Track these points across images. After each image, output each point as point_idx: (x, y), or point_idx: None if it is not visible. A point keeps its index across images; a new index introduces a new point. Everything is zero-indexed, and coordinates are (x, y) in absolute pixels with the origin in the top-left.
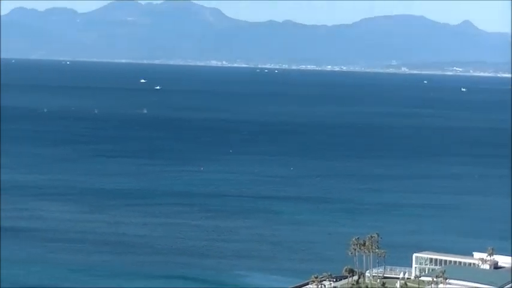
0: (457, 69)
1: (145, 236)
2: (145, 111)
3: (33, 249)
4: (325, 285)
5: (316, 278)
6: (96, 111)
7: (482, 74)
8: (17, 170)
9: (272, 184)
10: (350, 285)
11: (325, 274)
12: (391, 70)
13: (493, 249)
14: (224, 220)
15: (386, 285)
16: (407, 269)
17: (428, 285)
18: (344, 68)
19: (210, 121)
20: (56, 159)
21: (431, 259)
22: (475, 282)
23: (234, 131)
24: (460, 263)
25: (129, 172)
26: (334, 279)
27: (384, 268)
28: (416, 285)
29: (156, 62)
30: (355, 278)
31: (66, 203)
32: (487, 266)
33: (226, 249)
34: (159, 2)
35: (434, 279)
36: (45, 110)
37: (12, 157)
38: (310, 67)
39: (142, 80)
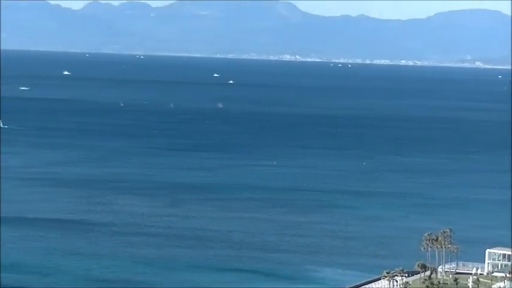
0: None
1: (219, 230)
2: (220, 105)
3: (107, 243)
4: (397, 281)
5: (388, 273)
6: (171, 105)
7: None
8: (92, 163)
9: (344, 179)
10: (422, 281)
11: (397, 269)
12: (465, 64)
13: None
14: (296, 215)
15: (458, 280)
16: (479, 265)
17: (501, 281)
18: (418, 63)
19: (283, 115)
20: (132, 152)
21: (504, 255)
22: None
23: (307, 125)
24: None
25: (204, 166)
26: (406, 275)
27: (457, 264)
28: (489, 281)
29: (230, 56)
30: (428, 273)
31: (141, 197)
32: None
33: (298, 243)
34: None
35: (507, 275)
36: (122, 104)
37: (87, 151)
38: (383, 61)
39: (216, 74)
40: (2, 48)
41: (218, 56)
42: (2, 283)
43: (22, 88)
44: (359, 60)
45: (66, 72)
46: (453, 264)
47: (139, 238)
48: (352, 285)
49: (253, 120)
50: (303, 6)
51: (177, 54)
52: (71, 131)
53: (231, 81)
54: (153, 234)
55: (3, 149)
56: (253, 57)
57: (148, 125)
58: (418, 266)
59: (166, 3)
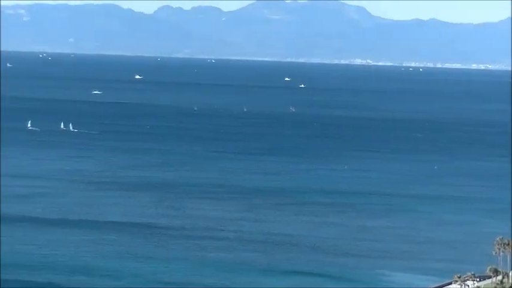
0: None
1: (290, 234)
2: (293, 109)
3: (178, 246)
4: (468, 285)
5: (459, 277)
6: (245, 109)
7: None
8: (164, 167)
9: (415, 183)
10: (494, 286)
11: (468, 274)
12: None
13: None
14: (367, 219)
15: None
16: None
17: None
18: (489, 66)
19: (354, 119)
20: (204, 156)
21: None
22: None
23: (379, 128)
24: None
25: (276, 170)
26: (478, 279)
27: None
28: None
29: (301, 60)
30: (499, 278)
31: (212, 201)
32: None
33: (368, 248)
34: (304, 0)
35: None
36: (196, 108)
37: (159, 155)
38: (455, 65)
39: (287, 78)
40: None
41: (289, 60)
42: (77, 285)
43: (94, 92)
44: (430, 64)
45: (137, 76)
46: None
47: (210, 242)
48: None
49: (324, 124)
50: (374, 10)
51: (248, 58)
52: (143, 135)
53: (302, 85)
54: (223, 238)
55: (73, 152)
56: (324, 62)
57: (221, 129)
58: (490, 270)
59: (238, 7)
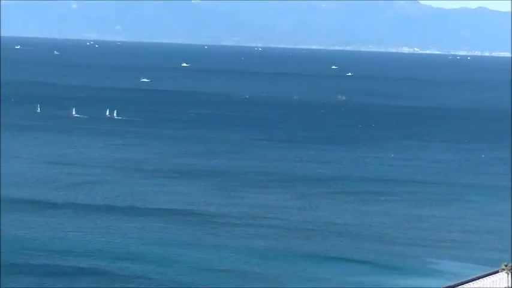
0: None
1: (336, 222)
2: (343, 97)
3: (226, 234)
4: None
5: (506, 266)
6: (295, 98)
7: None
8: (211, 155)
9: (462, 172)
10: None
11: None
12: None
13: None
14: (413, 207)
15: None
16: None
17: None
18: None
19: (402, 108)
20: (253, 145)
21: None
22: None
23: (426, 117)
24: None
25: (323, 158)
26: None
27: None
28: None
29: (348, 48)
30: None
31: (259, 189)
32: None
33: (414, 236)
34: None
35: None
36: (247, 96)
37: (207, 143)
38: (503, 53)
39: (334, 67)
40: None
41: (336, 48)
42: (122, 273)
43: (143, 80)
44: (478, 53)
45: (184, 64)
46: None
47: (257, 229)
48: (470, 278)
49: (371, 113)
50: None
51: (295, 47)
52: (190, 122)
53: (350, 74)
54: (270, 226)
55: (118, 140)
56: (372, 50)
57: (271, 117)
58: None
59: None
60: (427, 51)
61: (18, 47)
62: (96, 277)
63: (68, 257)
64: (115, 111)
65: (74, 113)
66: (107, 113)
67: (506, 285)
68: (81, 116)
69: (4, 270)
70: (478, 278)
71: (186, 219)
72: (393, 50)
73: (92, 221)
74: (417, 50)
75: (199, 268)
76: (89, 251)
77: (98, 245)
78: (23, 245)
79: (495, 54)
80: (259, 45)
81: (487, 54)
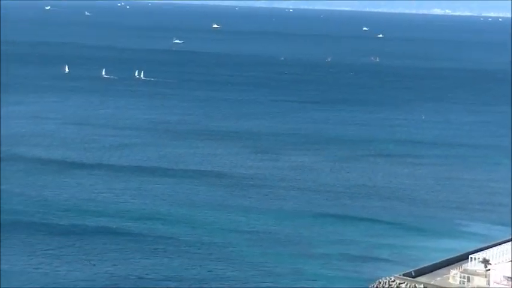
0: None
1: (367, 184)
2: (377, 59)
3: (256, 195)
4: None
5: None
6: (329, 59)
7: None
8: (246, 117)
9: (490, 134)
10: None
11: None
12: None
13: None
14: (444, 170)
15: None
16: None
17: None
18: None
19: (433, 70)
20: (286, 107)
21: None
22: None
23: (457, 79)
24: None
25: (355, 120)
26: None
27: None
28: None
29: (379, 10)
30: None
31: (289, 151)
32: None
33: (444, 198)
34: None
35: None
36: (282, 58)
37: (241, 104)
38: None
39: (365, 28)
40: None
41: (367, 9)
42: (152, 235)
43: (175, 41)
44: (509, 14)
45: (215, 26)
46: None
47: (288, 191)
48: (499, 241)
49: (403, 75)
50: None
51: (326, 8)
52: (222, 84)
53: (380, 35)
54: (301, 188)
55: (147, 101)
56: (403, 11)
57: (304, 78)
58: None
59: None
60: (458, 13)
61: (48, 8)
62: (126, 237)
63: (99, 217)
64: (144, 73)
65: (103, 73)
66: (136, 74)
67: None
68: (111, 76)
69: (36, 230)
70: (508, 241)
71: (216, 181)
72: (424, 11)
73: (123, 182)
74: (448, 12)
75: (229, 230)
76: (120, 212)
77: (129, 206)
78: (55, 205)
79: None
80: (290, 6)
81: None
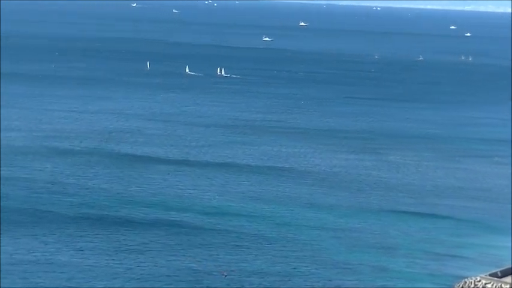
0: None
1: (459, 185)
2: (469, 58)
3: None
4: None
5: None
6: (420, 58)
7: None
8: (336, 115)
9: None
10: None
11: None
12: None
13: None
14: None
15: None
16: None
17: None
18: None
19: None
20: (375, 106)
21: None
22: None
23: None
24: None
25: (447, 120)
26: None
27: None
28: None
29: (466, 8)
30: None
31: (388, 150)
32: None
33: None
34: None
35: None
36: (376, 57)
37: (335, 102)
38: None
39: (452, 27)
40: None
41: (454, 7)
42: (236, 231)
43: (265, 39)
44: None
45: (302, 23)
46: None
47: (373, 189)
48: None
49: (495, 74)
50: None
51: (412, 6)
52: (309, 82)
53: (468, 34)
54: (386, 186)
55: (223, 97)
56: (491, 10)
57: (395, 77)
58: None
59: None
60: None
61: (135, 4)
62: (211, 233)
63: (184, 213)
64: (228, 70)
65: (187, 70)
66: (218, 72)
67: None
68: (195, 73)
69: (121, 225)
70: None
71: (301, 178)
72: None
73: (208, 179)
74: None
75: (314, 227)
76: (204, 208)
77: (214, 202)
78: (140, 201)
79: None
80: (378, 4)
81: None
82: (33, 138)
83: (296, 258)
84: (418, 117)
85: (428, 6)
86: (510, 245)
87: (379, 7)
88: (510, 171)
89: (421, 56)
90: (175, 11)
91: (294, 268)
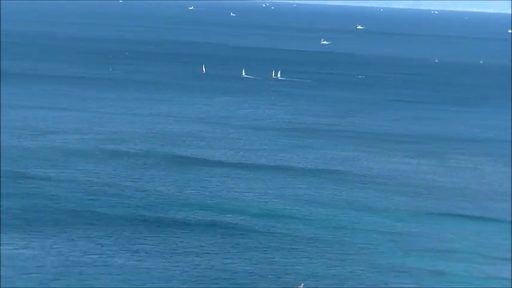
0: None
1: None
2: None
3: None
4: None
5: None
6: (481, 62)
7: None
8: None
9: None
10: None
11: None
12: None
13: None
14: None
15: None
16: None
17: None
18: None
19: None
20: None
21: None
22: None
23: None
24: None
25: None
26: None
27: None
28: None
29: None
30: None
31: (444, 155)
32: None
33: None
34: None
35: None
36: (436, 60)
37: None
38: None
39: (510, 31)
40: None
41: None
42: (292, 235)
43: (323, 42)
44: None
45: (359, 27)
46: None
47: (431, 193)
48: None
49: None
50: None
51: (471, 10)
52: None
53: None
54: (442, 189)
55: (274, 100)
56: None
57: (453, 81)
58: None
59: None
60: None
61: (192, 7)
62: (267, 236)
63: (240, 216)
64: (286, 73)
65: (243, 73)
66: (273, 75)
67: None
68: (251, 76)
69: (177, 228)
70: None
71: (358, 181)
72: None
73: (264, 182)
74: None
75: (370, 230)
76: (260, 211)
77: (270, 205)
78: (196, 203)
79: None
80: (436, 8)
81: None
82: (89, 140)
83: (352, 262)
84: (476, 121)
85: (490, 10)
86: None
87: (437, 11)
88: None
89: (481, 60)
90: (233, 14)
91: (351, 272)
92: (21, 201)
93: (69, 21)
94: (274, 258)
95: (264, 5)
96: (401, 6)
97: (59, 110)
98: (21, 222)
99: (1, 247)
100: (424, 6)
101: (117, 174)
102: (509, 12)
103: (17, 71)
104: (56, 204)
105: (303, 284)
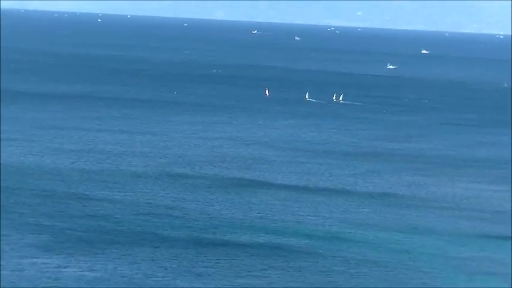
0: None
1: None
2: None
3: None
4: None
5: None
6: (505, 85)
7: None
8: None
9: None
10: None
11: None
12: None
13: None
14: None
15: None
16: None
17: None
18: None
19: None
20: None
21: None
22: None
23: None
24: None
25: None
26: None
27: None
28: None
29: None
30: None
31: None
32: None
33: None
34: None
35: None
36: (505, 85)
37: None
38: None
39: None
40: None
41: None
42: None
43: (389, 66)
44: None
45: (424, 51)
46: None
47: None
48: None
49: None
50: None
51: None
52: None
53: None
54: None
55: (333, 123)
56: None
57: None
58: None
59: None
60: None
61: (255, 31)
62: (332, 260)
63: (305, 239)
64: (350, 97)
65: (307, 97)
66: (334, 98)
67: None
68: (314, 100)
69: (242, 250)
70: None
71: (423, 207)
72: None
73: (328, 205)
74: None
75: (435, 255)
76: (325, 234)
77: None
78: (261, 226)
79: None
80: (501, 32)
81: None
82: (154, 163)
83: (416, 286)
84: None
85: None
86: None
87: (502, 35)
88: None
89: (504, 83)
90: (297, 38)
91: None
92: (85, 223)
93: (138, 44)
94: (337, 281)
95: (328, 29)
96: (467, 31)
97: (125, 133)
98: (86, 244)
99: (67, 269)
100: (487, 30)
101: (182, 197)
102: None
103: (84, 93)
104: (120, 226)
105: None
